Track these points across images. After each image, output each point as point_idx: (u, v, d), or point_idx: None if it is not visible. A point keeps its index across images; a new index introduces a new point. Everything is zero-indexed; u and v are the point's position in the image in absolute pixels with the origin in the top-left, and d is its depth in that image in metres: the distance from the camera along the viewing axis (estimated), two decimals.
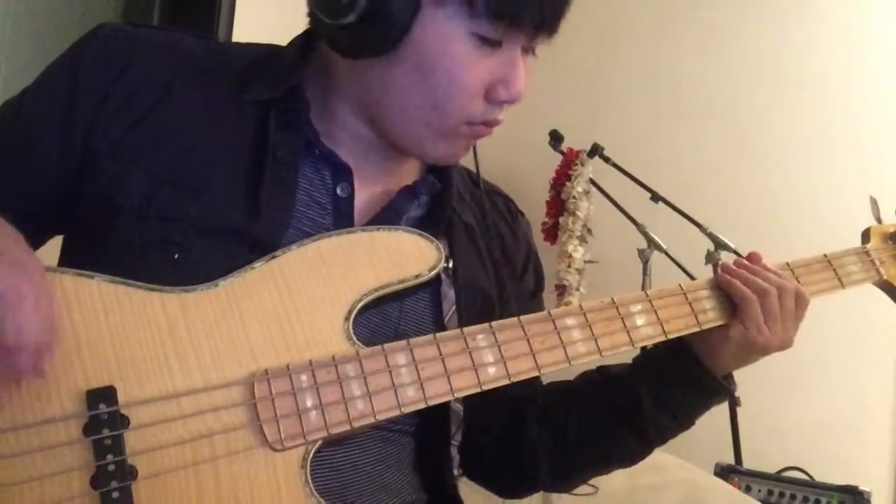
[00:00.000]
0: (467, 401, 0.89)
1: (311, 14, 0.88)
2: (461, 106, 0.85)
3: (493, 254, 1.02)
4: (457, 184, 1.01)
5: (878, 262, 1.12)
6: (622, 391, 1.00)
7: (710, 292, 0.98)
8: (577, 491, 1.73)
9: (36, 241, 0.85)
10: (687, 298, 0.97)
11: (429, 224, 0.95)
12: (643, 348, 0.99)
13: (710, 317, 0.97)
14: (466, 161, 1.01)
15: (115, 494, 0.69)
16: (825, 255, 1.08)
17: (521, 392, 0.99)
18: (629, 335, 0.92)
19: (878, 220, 1.17)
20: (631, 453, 1.04)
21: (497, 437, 1.03)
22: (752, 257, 1.01)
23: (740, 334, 0.95)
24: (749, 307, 0.95)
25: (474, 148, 0.97)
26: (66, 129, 0.85)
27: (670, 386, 0.99)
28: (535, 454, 1.03)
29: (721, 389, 1.00)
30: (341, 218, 0.90)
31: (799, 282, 1.02)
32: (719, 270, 0.99)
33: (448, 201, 0.97)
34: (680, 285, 0.97)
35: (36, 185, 0.87)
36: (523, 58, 0.87)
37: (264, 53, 0.94)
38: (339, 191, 0.91)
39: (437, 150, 0.91)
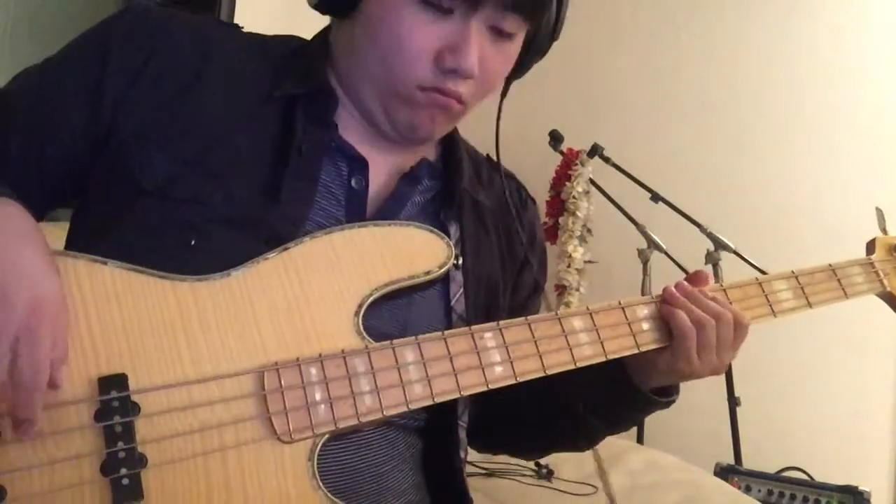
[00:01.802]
0: None
1: None
2: (405, 66, 0.87)
3: (500, 237, 1.03)
4: (469, 164, 1.01)
5: (882, 274, 1.12)
6: (565, 390, 0.99)
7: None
8: (577, 490, 1.74)
9: (43, 210, 0.85)
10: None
11: (439, 205, 0.96)
12: None
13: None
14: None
15: (125, 481, 0.69)
16: (830, 266, 1.08)
17: None
18: (635, 339, 0.92)
19: (884, 231, 1.17)
20: (573, 442, 1.07)
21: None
22: (695, 278, 0.98)
23: (667, 365, 0.93)
24: (684, 342, 0.92)
25: (497, 132, 0.98)
26: (93, 103, 0.85)
27: (605, 396, 0.98)
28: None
29: (653, 403, 0.97)
30: (354, 209, 0.90)
31: (804, 292, 1.02)
32: (664, 300, 0.95)
33: (457, 181, 0.98)
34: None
35: (53, 156, 0.85)
36: (490, 38, 0.88)
37: (293, 48, 0.95)
38: (353, 183, 0.91)
39: (399, 117, 0.91)
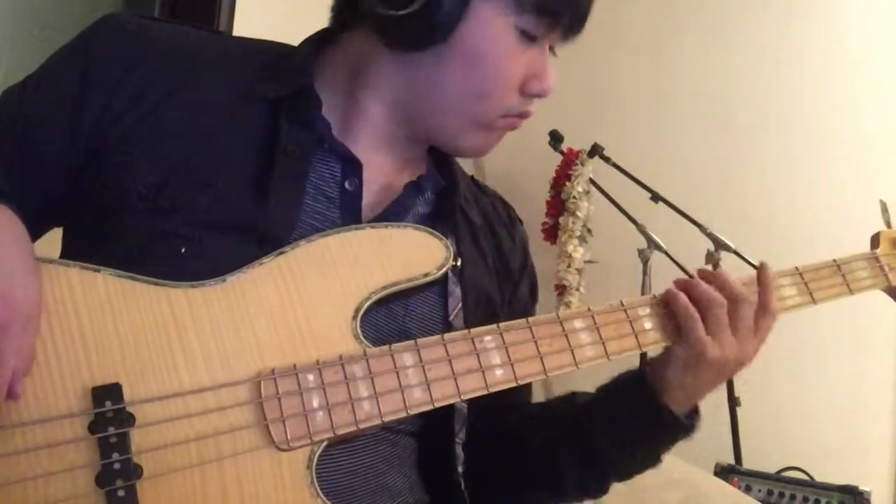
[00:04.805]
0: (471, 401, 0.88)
1: (362, 9, 0.88)
2: (502, 97, 0.89)
3: (493, 256, 1.02)
4: (461, 182, 1.01)
5: (887, 268, 1.09)
6: (581, 427, 0.96)
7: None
8: None
9: (34, 233, 0.84)
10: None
11: (437, 220, 0.95)
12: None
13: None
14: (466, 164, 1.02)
15: (121, 493, 0.68)
16: (834, 261, 1.05)
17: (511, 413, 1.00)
18: (637, 339, 0.91)
19: (888, 225, 1.15)
20: (585, 487, 1.00)
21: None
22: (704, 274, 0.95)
23: (684, 353, 0.90)
24: (689, 324, 0.89)
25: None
26: (73, 119, 0.84)
27: (628, 423, 0.94)
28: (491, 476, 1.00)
29: (679, 425, 0.92)
30: (348, 212, 0.90)
31: (808, 288, 1.01)
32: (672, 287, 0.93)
33: (455, 198, 0.98)
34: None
35: (38, 176, 0.85)
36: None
37: (277, 52, 0.94)
38: (347, 185, 0.90)
39: (472, 142, 0.93)
